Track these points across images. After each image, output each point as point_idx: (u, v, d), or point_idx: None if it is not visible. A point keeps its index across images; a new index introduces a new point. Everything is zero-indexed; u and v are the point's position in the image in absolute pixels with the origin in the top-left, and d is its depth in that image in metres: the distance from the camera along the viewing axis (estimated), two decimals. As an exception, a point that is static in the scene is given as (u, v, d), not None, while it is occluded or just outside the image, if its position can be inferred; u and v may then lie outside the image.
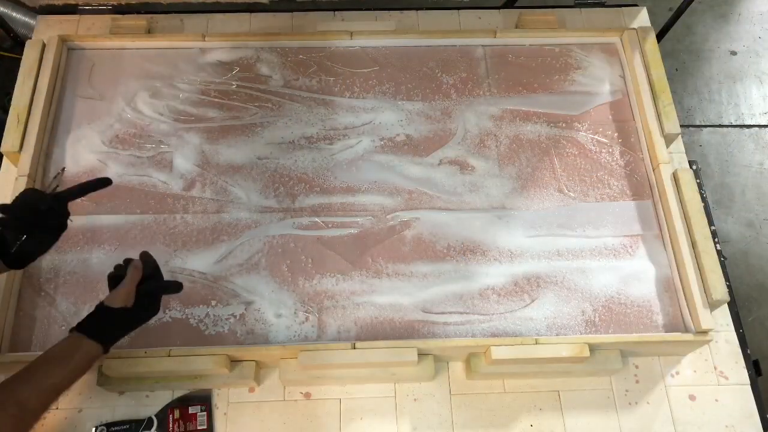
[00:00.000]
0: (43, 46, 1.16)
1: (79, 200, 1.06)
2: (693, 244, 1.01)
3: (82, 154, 1.11)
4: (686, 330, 0.98)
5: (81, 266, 1.01)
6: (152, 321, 0.97)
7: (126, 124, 1.14)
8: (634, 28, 1.23)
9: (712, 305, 0.97)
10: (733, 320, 1.05)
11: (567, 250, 1.05)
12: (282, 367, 0.95)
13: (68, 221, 0.84)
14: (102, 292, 0.99)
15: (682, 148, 1.18)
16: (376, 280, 1.02)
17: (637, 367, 1.01)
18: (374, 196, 1.09)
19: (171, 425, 0.94)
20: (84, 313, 0.97)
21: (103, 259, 1.02)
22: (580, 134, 1.16)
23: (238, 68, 1.20)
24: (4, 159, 1.12)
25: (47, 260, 1.01)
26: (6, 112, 1.11)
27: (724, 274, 1.03)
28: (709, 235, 1.01)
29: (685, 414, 0.97)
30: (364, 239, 1.05)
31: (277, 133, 1.14)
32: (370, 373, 0.95)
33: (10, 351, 0.95)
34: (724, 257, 1.08)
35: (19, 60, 1.14)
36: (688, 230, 1.02)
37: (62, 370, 0.72)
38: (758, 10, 2.29)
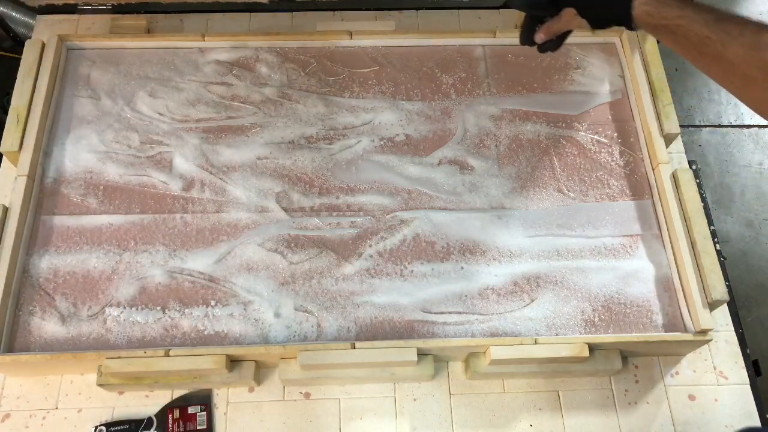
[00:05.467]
0: (43, 45, 1.16)
1: (78, 199, 1.07)
2: (692, 244, 1.01)
3: (81, 154, 1.11)
4: (686, 330, 0.98)
5: (80, 266, 1.01)
6: (151, 320, 0.97)
7: (125, 123, 1.14)
8: (633, 28, 1.23)
9: (712, 305, 0.97)
10: (732, 320, 1.05)
11: (566, 250, 1.05)
12: (281, 367, 0.95)
13: None
14: (101, 293, 0.99)
15: (682, 148, 1.18)
16: (376, 280, 1.02)
17: (636, 367, 1.01)
18: (374, 196, 1.09)
19: (170, 425, 0.94)
20: (83, 314, 0.98)
21: (103, 259, 1.02)
22: (580, 134, 1.16)
23: (238, 68, 1.20)
24: (4, 158, 1.12)
25: (46, 260, 1.01)
26: (6, 111, 1.11)
27: (723, 274, 1.03)
28: (709, 235, 1.01)
29: (685, 414, 0.98)
30: (363, 239, 1.05)
31: (277, 133, 1.14)
32: (369, 372, 0.95)
33: (8, 351, 0.95)
34: (723, 257, 1.08)
35: (19, 60, 1.14)
36: (688, 230, 1.02)
37: None
38: (758, 10, 2.29)
